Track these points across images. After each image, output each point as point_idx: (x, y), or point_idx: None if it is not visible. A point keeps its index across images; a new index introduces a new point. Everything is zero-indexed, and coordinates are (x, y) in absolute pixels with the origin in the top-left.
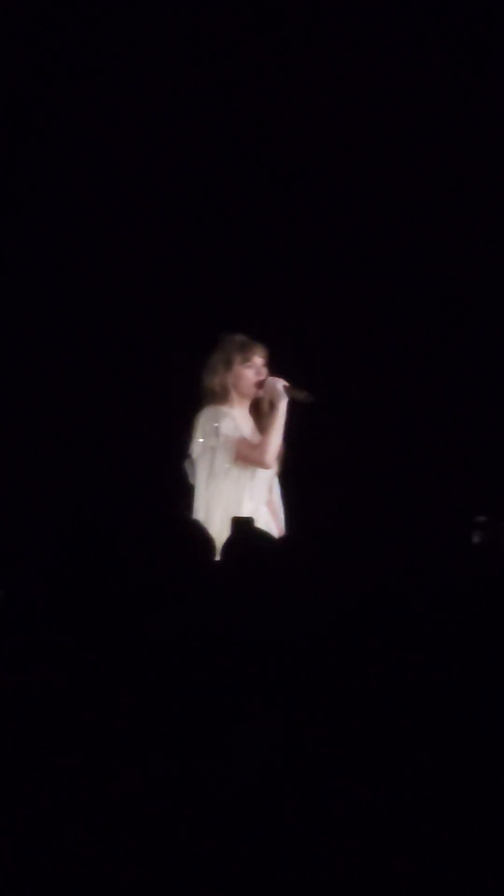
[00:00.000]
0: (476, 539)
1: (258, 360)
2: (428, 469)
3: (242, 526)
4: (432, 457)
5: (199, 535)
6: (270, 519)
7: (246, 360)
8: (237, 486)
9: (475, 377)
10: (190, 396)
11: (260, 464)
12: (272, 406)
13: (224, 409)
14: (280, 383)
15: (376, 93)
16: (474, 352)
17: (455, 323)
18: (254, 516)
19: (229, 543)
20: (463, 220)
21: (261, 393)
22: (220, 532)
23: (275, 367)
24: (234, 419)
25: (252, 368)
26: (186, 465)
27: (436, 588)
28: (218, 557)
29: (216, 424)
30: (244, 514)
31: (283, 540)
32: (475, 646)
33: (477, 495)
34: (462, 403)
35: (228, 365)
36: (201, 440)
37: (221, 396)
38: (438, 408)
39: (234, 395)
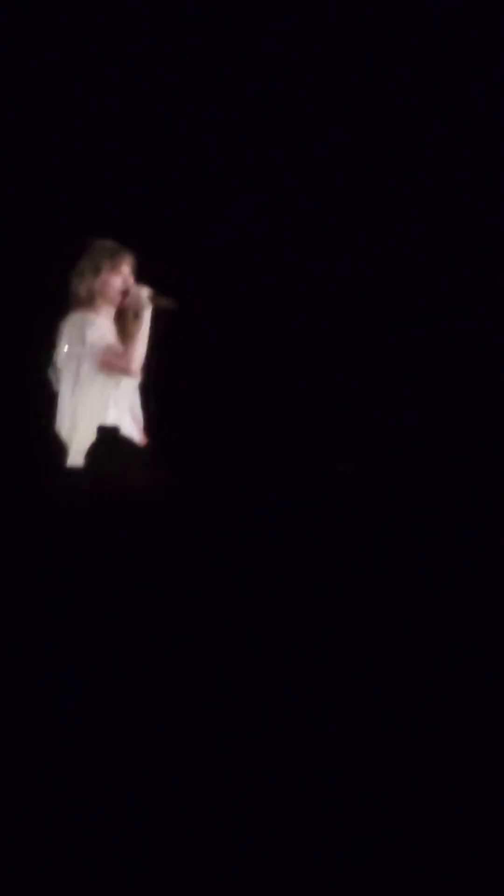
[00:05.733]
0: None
1: (126, 267)
2: (292, 386)
3: (108, 434)
4: (297, 374)
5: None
6: (133, 427)
7: (114, 266)
8: (102, 394)
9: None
10: (54, 302)
11: (125, 372)
12: (136, 315)
13: (90, 315)
14: (145, 291)
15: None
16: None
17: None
18: (118, 424)
19: (94, 449)
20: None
21: (126, 301)
22: (86, 439)
23: (141, 276)
24: (100, 327)
25: (120, 276)
26: (50, 372)
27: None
28: (84, 463)
29: (82, 332)
30: (109, 422)
31: (146, 448)
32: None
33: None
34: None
35: (97, 271)
36: (67, 347)
37: (88, 302)
38: (310, 323)
39: (100, 301)
